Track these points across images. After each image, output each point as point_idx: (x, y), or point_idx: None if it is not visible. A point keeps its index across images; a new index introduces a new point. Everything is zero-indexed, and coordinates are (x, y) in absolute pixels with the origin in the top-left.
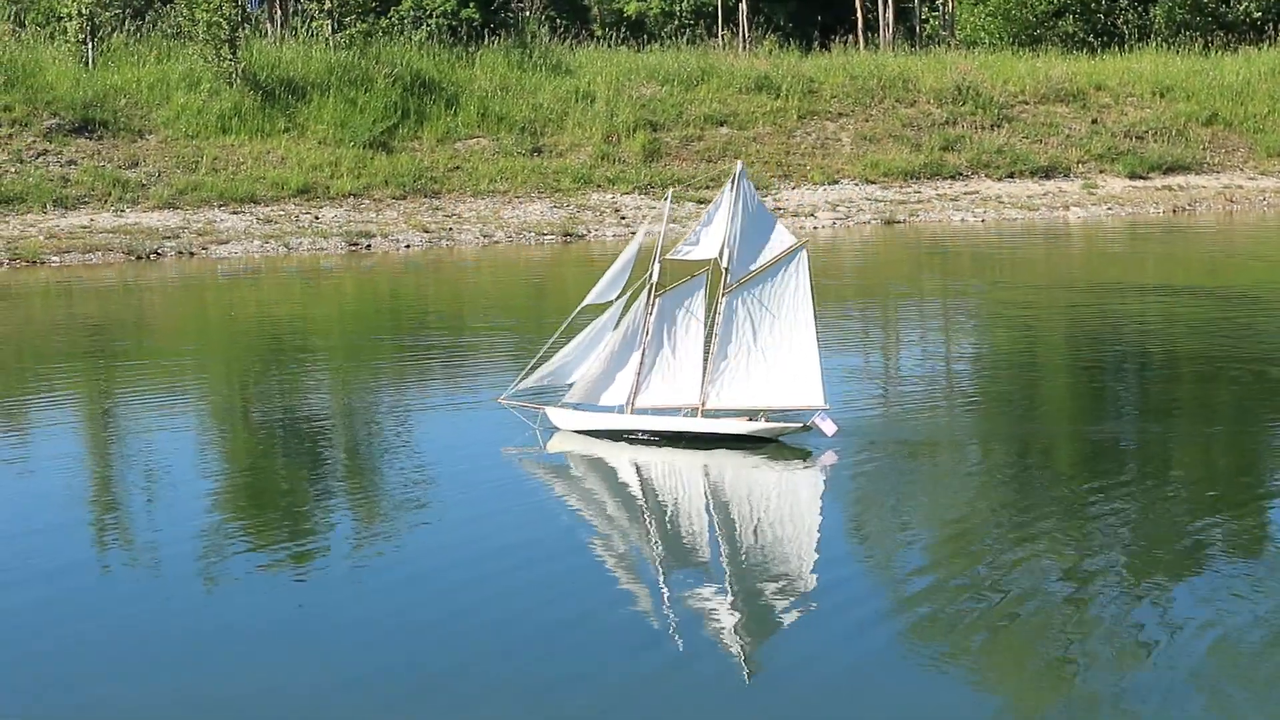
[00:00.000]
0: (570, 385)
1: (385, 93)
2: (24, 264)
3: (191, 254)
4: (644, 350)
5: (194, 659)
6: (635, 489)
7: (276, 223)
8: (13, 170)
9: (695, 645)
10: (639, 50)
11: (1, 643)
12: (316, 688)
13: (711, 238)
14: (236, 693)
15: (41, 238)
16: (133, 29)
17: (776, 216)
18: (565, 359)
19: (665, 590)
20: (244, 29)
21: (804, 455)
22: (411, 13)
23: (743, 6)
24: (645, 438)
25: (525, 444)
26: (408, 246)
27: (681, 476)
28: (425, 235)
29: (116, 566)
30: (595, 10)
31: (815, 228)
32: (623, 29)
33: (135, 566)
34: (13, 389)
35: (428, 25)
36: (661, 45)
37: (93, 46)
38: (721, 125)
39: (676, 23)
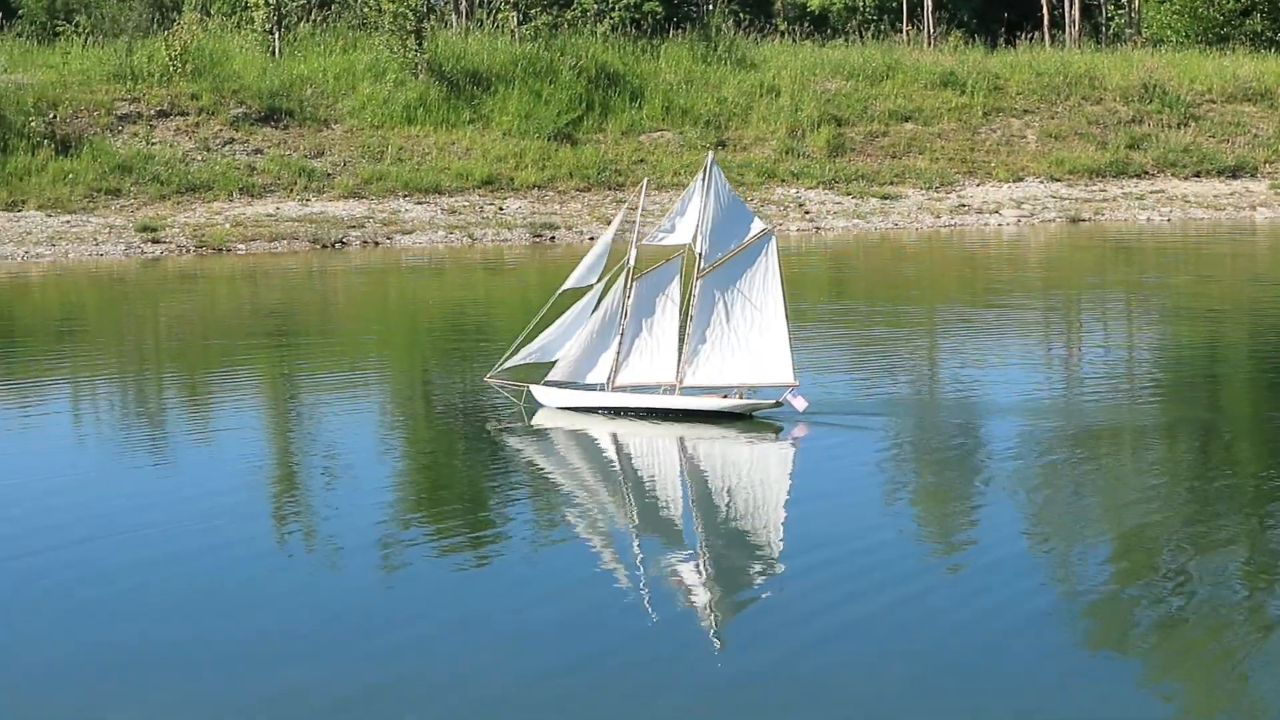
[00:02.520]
0: (553, 364)
1: (570, 85)
2: (210, 251)
3: (376, 243)
4: (623, 331)
5: (369, 644)
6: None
7: (461, 213)
8: (199, 158)
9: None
10: (823, 45)
11: (191, 624)
12: (496, 677)
13: (685, 225)
14: (413, 678)
15: (227, 225)
16: (318, 19)
17: (747, 204)
18: (548, 339)
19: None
20: (430, 20)
21: (979, 442)
22: (595, 5)
23: (927, 2)
24: (628, 414)
25: (511, 420)
26: (591, 239)
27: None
28: (608, 228)
29: (296, 550)
30: (778, 4)
31: (1000, 225)
32: (806, 23)
33: (313, 552)
34: (197, 370)
35: (611, 18)
36: (846, 40)
37: (279, 36)
38: (906, 121)
39: (860, 18)
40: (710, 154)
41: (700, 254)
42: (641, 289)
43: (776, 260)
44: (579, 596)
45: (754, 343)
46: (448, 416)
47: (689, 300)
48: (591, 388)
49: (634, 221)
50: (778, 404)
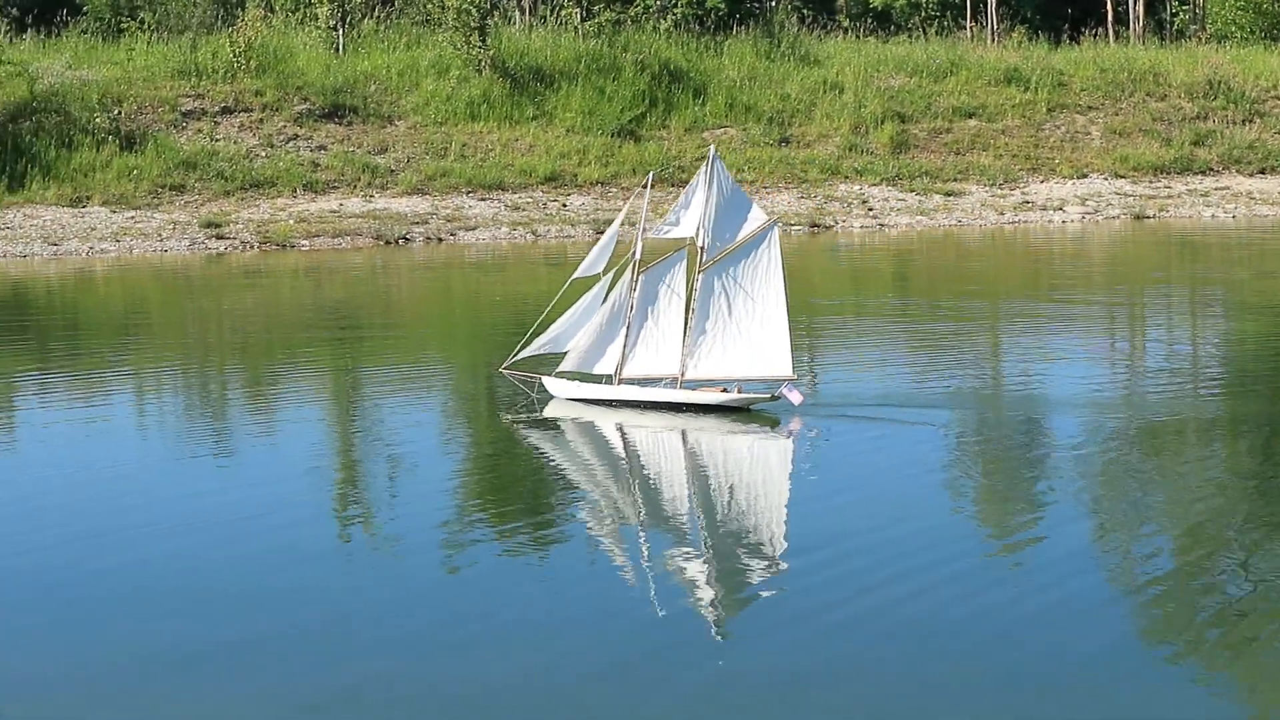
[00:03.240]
0: (564, 355)
1: (633, 81)
2: (274, 247)
3: (440, 240)
4: (629, 323)
5: (436, 644)
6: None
7: (524, 210)
8: (263, 155)
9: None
10: (886, 41)
11: (251, 619)
12: (568, 677)
13: (689, 218)
14: (488, 680)
15: (291, 222)
16: (382, 15)
17: (749, 195)
18: (559, 331)
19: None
20: (493, 17)
21: (1039, 436)
22: (658, 1)
23: None
24: (633, 406)
25: (524, 411)
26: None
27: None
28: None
29: (358, 547)
30: (841, 1)
31: (1064, 222)
32: (869, 19)
33: (377, 549)
34: (260, 363)
35: (673, 14)
36: (909, 37)
37: (343, 33)
38: (970, 117)
39: (922, 14)
40: (713, 147)
41: (702, 247)
42: (647, 282)
43: (778, 253)
44: (629, 591)
45: (754, 336)
46: (509, 410)
47: (692, 293)
48: (599, 379)
49: (640, 213)
50: (774, 398)
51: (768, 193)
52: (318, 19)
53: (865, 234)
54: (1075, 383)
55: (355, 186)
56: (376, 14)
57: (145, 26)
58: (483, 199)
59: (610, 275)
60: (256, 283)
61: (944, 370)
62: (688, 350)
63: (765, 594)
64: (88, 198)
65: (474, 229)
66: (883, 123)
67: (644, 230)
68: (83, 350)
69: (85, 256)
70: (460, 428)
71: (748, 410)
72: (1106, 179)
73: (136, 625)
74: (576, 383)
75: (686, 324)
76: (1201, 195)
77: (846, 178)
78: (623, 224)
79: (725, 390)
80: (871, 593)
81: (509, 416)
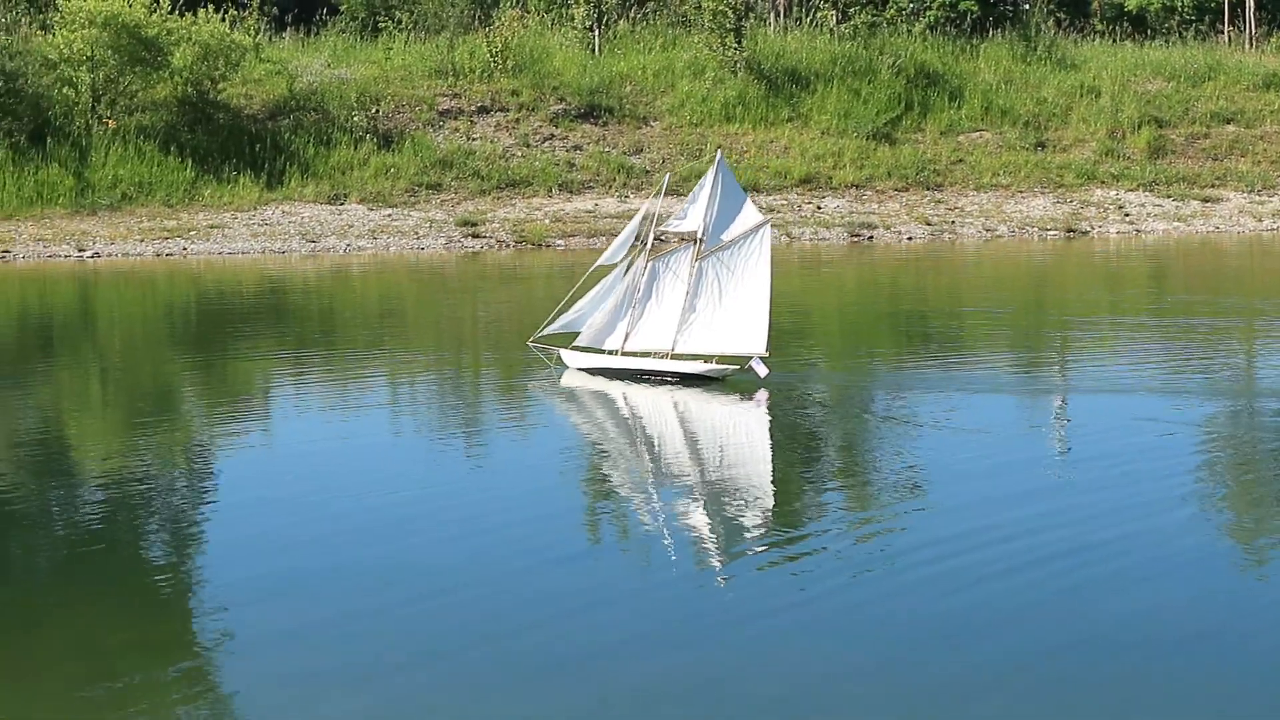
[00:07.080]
0: (581, 331)
1: (889, 84)
2: (529, 246)
3: None
4: (636, 304)
5: (694, 643)
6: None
7: (778, 211)
8: (519, 154)
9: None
10: (1142, 45)
11: (501, 619)
12: (825, 679)
13: (695, 213)
14: (765, 680)
15: (546, 221)
16: (637, 16)
17: (748, 195)
18: (579, 310)
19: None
20: (749, 18)
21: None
22: (910, 4)
23: (1249, 2)
24: (646, 379)
25: (546, 379)
26: (909, 239)
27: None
28: (927, 228)
29: (611, 550)
30: (1095, 4)
31: None
32: (1124, 23)
33: (627, 550)
34: (514, 362)
35: (926, 17)
36: (1166, 41)
37: (599, 33)
38: (1228, 123)
39: (1178, 18)
40: (719, 150)
41: (701, 239)
42: (655, 267)
43: (769, 248)
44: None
45: (737, 318)
46: (754, 408)
47: (690, 279)
48: (605, 352)
49: (656, 210)
50: (743, 369)
51: (1022, 197)
52: (573, 19)
53: (1121, 239)
54: None
55: (610, 187)
56: (632, 15)
57: (402, 26)
58: None
59: (627, 260)
60: (512, 281)
61: (1196, 365)
62: (680, 328)
63: (975, 592)
64: (345, 195)
65: None
66: (1140, 127)
67: (655, 224)
68: (338, 342)
69: (342, 254)
70: (708, 417)
71: (722, 380)
72: None
73: (405, 627)
74: (588, 354)
75: (684, 306)
76: None
77: (1103, 183)
78: (642, 220)
79: (706, 362)
80: (1107, 584)
81: (532, 384)
